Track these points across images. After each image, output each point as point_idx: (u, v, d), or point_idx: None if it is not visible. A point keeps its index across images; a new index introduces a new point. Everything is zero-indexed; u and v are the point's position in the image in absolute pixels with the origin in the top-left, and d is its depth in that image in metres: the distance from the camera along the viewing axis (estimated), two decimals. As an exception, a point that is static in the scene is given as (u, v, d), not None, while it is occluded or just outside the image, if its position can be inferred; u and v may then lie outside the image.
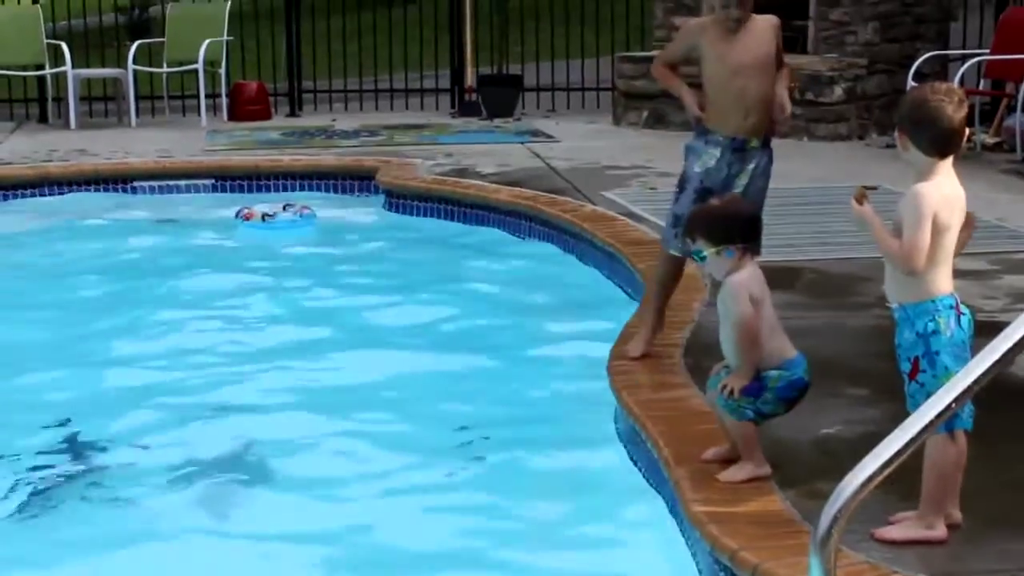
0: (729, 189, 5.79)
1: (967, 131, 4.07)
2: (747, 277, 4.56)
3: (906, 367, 4.09)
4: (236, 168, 11.29)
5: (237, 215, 9.95)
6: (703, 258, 4.63)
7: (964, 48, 13.02)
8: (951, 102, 3.95)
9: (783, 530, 4.24)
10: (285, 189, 11.02)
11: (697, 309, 6.62)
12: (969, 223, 4.09)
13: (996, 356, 3.41)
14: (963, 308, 4.09)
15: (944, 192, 4.00)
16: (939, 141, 3.97)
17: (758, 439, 4.63)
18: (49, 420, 6.25)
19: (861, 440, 4.64)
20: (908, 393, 4.09)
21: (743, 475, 4.59)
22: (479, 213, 9.83)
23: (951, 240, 4.04)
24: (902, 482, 3.81)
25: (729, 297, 4.57)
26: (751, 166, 5.88)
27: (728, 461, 4.70)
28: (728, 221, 4.64)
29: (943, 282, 4.05)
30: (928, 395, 3.62)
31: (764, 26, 5.85)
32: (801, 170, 10.65)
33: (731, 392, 4.53)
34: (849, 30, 12.21)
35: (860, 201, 4.09)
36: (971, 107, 4.55)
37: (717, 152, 5.88)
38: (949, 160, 4.02)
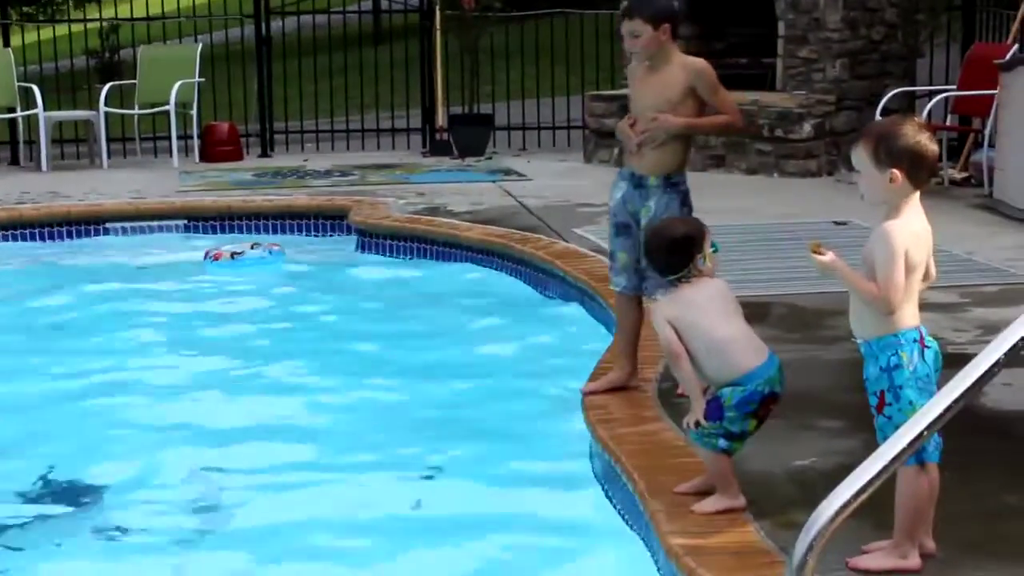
0: (638, 222, 5.94)
1: None
2: (665, 302, 4.74)
3: (873, 401, 4.13)
4: (209, 209, 11.31)
5: (206, 256, 9.97)
6: None
7: (931, 84, 13.14)
8: (928, 134, 4.07)
9: (759, 560, 4.27)
10: (258, 230, 11.03)
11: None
12: None
13: (966, 385, 3.47)
14: (928, 341, 4.12)
15: (913, 228, 4.06)
16: (927, 174, 4.09)
17: (732, 472, 4.66)
18: (16, 460, 6.25)
19: (835, 472, 4.67)
20: (877, 426, 4.12)
21: (718, 506, 4.62)
22: (451, 251, 9.86)
23: (919, 276, 4.10)
24: (875, 512, 3.85)
25: (653, 323, 4.74)
26: (651, 202, 5.93)
27: (703, 494, 4.73)
28: (653, 257, 4.93)
29: (907, 316, 4.09)
30: (896, 428, 3.66)
31: (678, 70, 5.92)
32: (771, 206, 10.74)
33: (696, 424, 4.59)
34: (817, 67, 12.31)
35: (817, 252, 4.14)
36: (939, 142, 4.65)
37: (624, 185, 6.05)
38: (918, 193, 4.10)
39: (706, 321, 4.64)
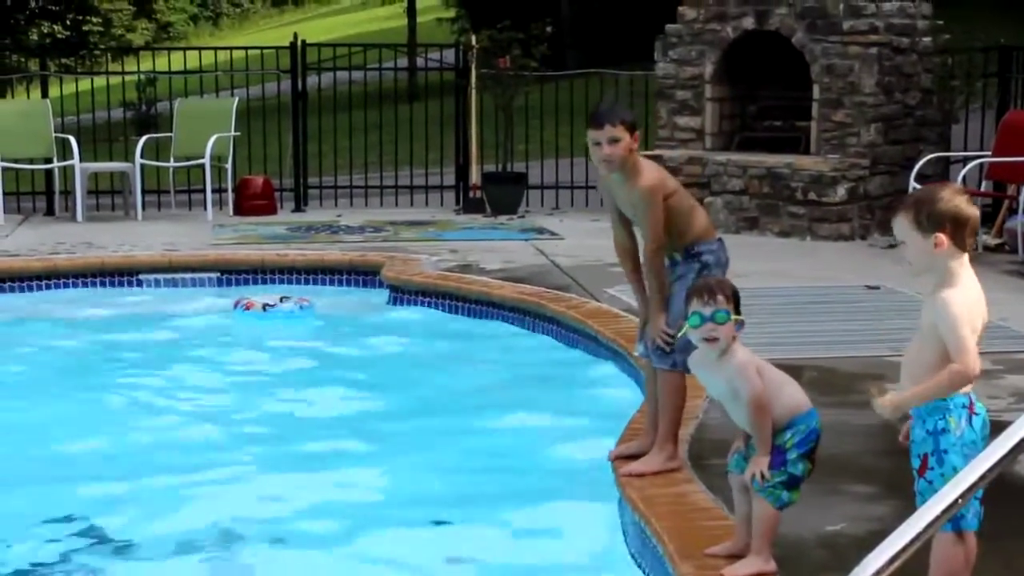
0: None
1: None
2: (745, 352, 4.66)
3: (916, 464, 4.11)
4: (242, 262, 11.35)
5: (236, 305, 9.99)
6: (723, 319, 4.64)
7: (965, 150, 13.14)
8: (966, 198, 4.08)
9: (789, 626, 4.24)
10: (290, 283, 11.04)
11: (700, 406, 6.63)
12: None
13: (1001, 453, 3.44)
14: (978, 408, 4.11)
15: (969, 296, 4.06)
16: (971, 236, 4.08)
17: (775, 532, 4.61)
18: (41, 504, 6.27)
19: (867, 537, 4.66)
20: (917, 490, 4.10)
21: (749, 570, 4.58)
22: (483, 309, 9.86)
23: (977, 340, 4.08)
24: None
25: (738, 378, 4.62)
26: (676, 275, 5.83)
27: (733, 557, 4.70)
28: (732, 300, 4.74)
29: None
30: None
31: (636, 187, 5.70)
32: (803, 269, 10.72)
33: (762, 476, 4.55)
34: (851, 131, 12.32)
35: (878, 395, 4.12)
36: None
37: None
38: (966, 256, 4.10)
39: (766, 365, 4.68)
